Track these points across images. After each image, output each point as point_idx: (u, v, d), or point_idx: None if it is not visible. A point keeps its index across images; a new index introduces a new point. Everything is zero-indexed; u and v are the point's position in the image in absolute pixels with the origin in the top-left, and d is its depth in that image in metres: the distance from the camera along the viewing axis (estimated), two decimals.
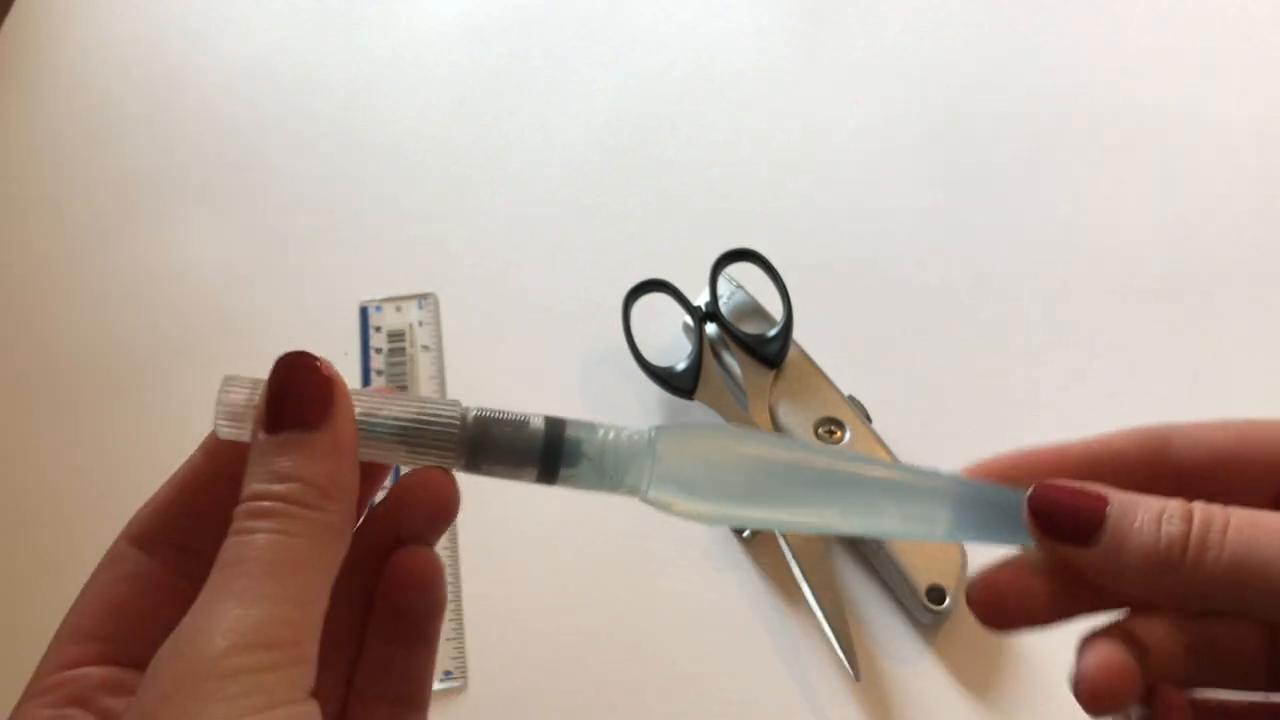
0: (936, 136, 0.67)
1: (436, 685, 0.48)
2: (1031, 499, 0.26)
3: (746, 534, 0.51)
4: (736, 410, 0.52)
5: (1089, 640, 0.26)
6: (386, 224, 0.64)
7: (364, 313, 0.59)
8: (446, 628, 0.49)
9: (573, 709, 0.48)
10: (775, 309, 0.55)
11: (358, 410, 0.26)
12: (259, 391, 0.25)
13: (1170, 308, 0.59)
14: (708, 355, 0.54)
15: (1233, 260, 0.61)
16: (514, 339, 0.59)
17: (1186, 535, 0.23)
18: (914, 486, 0.27)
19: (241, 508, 0.24)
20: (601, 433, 0.27)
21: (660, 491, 0.26)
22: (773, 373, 0.53)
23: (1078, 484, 0.26)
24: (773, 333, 0.54)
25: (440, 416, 0.26)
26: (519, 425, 0.27)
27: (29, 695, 0.25)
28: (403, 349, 0.58)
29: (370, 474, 0.28)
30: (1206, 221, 0.62)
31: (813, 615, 0.49)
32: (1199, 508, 0.24)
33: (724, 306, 0.55)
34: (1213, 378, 0.56)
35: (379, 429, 0.26)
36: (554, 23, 0.74)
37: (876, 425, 0.52)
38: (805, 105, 0.69)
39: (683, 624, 0.50)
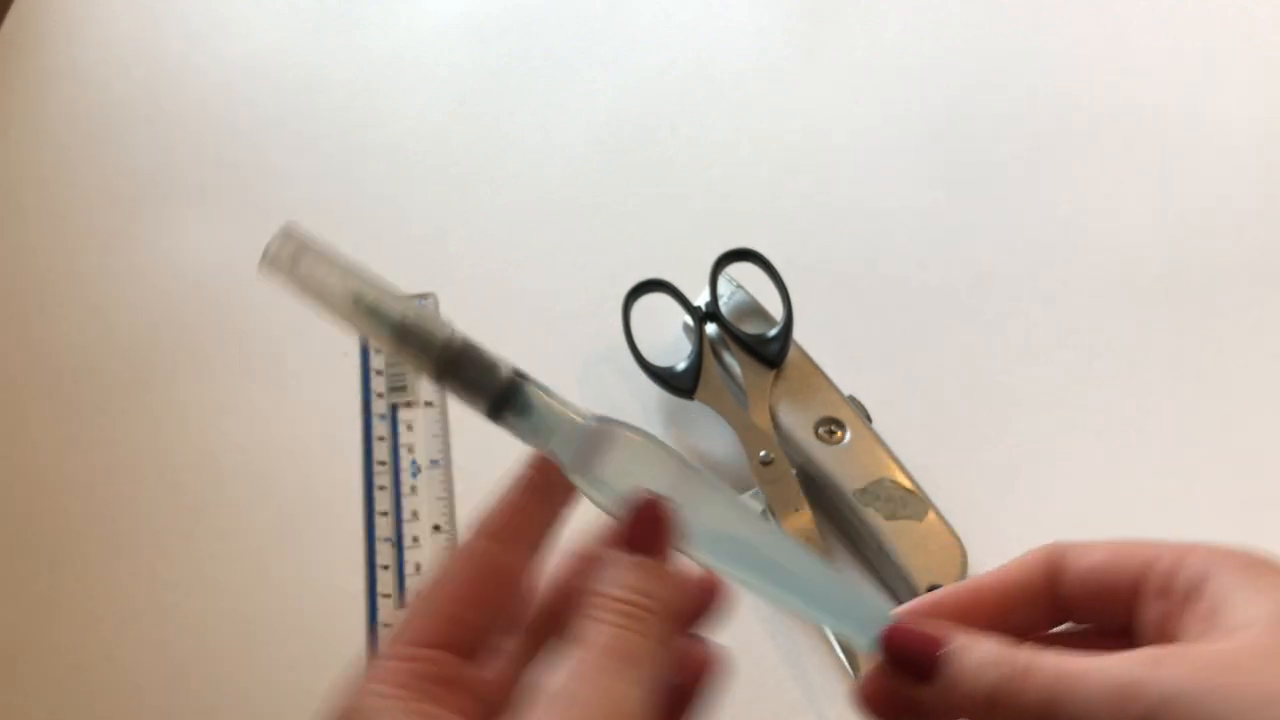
0: (936, 136, 0.67)
1: None
2: (884, 639, 0.29)
3: None
4: (736, 410, 0.52)
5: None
6: (386, 224, 0.64)
7: None
8: None
9: None
10: (775, 309, 0.55)
11: (368, 296, 0.30)
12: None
13: (1170, 307, 0.59)
14: (708, 355, 0.54)
15: (1233, 260, 0.61)
16: (514, 339, 0.58)
17: (1003, 681, 0.27)
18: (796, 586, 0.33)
19: (610, 602, 0.28)
20: (556, 402, 0.31)
21: (570, 468, 0.31)
22: (773, 373, 0.53)
23: (924, 629, 0.29)
24: (773, 333, 0.54)
25: (433, 329, 0.31)
26: (490, 365, 0.32)
27: (387, 654, 0.28)
28: None
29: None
30: (1206, 221, 0.62)
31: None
32: (1013, 656, 0.27)
33: (724, 307, 0.55)
34: (1213, 377, 0.56)
35: (384, 316, 0.31)
36: (554, 23, 0.74)
37: (876, 425, 0.52)
38: (805, 105, 0.69)
39: None
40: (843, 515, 0.50)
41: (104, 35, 0.74)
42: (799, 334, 0.54)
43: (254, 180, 0.66)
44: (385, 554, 0.51)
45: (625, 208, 0.64)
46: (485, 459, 0.56)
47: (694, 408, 0.54)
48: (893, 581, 0.49)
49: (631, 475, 0.31)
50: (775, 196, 0.64)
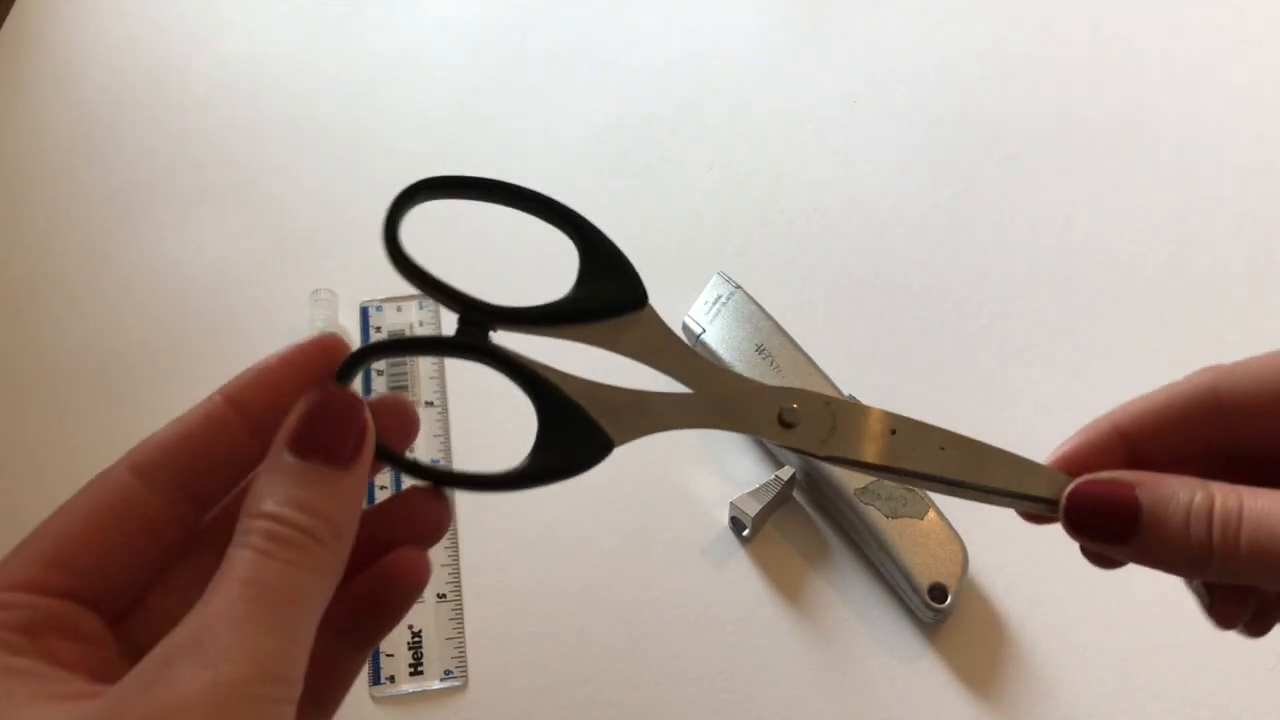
0: (936, 136, 0.67)
1: (436, 685, 0.48)
2: (1067, 507, 0.27)
3: (746, 533, 0.51)
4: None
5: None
6: None
7: (364, 313, 0.59)
8: (446, 627, 0.49)
9: (573, 709, 0.48)
10: (775, 309, 0.55)
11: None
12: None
13: (1170, 307, 0.59)
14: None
15: (1233, 260, 0.61)
16: (513, 338, 0.59)
17: (1209, 537, 0.25)
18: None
19: (259, 523, 0.24)
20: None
21: None
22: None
23: (1108, 486, 0.27)
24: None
25: None
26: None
27: None
28: None
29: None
30: (1206, 221, 0.62)
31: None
32: (1219, 505, 0.25)
33: (723, 307, 0.55)
34: None
35: None
36: (554, 23, 0.74)
37: None
38: (805, 105, 0.69)
39: (683, 623, 0.50)
40: (844, 514, 0.50)
41: (104, 35, 0.74)
42: (799, 334, 0.54)
43: (254, 180, 0.66)
44: None
45: (625, 207, 0.65)
46: (486, 459, 0.56)
47: None
48: (894, 580, 0.49)
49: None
50: (775, 196, 0.65)
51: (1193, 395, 0.28)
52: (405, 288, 0.31)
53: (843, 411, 0.31)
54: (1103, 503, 0.27)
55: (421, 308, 0.59)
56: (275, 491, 0.24)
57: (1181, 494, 0.26)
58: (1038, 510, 0.30)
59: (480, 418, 0.56)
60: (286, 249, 0.63)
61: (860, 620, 0.49)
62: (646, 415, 0.30)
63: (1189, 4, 0.73)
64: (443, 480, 0.31)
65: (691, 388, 0.31)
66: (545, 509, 0.53)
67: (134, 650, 0.25)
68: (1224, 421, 0.28)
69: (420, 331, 0.59)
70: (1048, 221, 0.63)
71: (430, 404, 0.56)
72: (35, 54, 0.73)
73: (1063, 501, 0.28)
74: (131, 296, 0.61)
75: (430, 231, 0.64)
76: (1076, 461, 0.29)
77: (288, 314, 0.60)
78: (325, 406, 0.26)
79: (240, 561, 0.23)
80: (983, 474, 0.30)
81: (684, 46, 0.72)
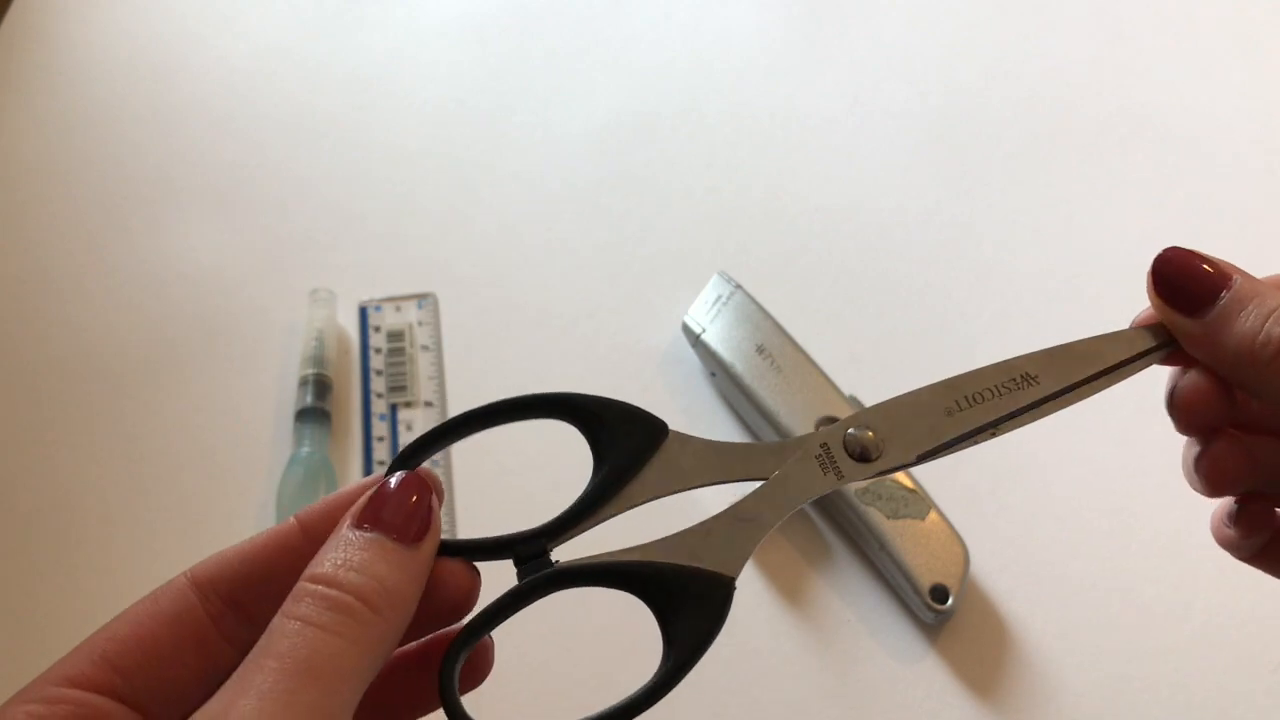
0: (936, 136, 0.67)
1: None
2: (1158, 259, 0.27)
3: None
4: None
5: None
6: (386, 224, 0.64)
7: (364, 313, 0.59)
8: None
9: (573, 709, 0.48)
10: (775, 309, 0.54)
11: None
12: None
13: None
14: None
15: (1235, 261, 0.61)
16: (513, 339, 0.59)
17: None
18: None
19: (311, 587, 0.23)
20: None
21: None
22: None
23: (1210, 258, 0.27)
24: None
25: None
26: None
27: (24, 695, 0.23)
28: (402, 349, 0.58)
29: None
30: (1207, 221, 0.62)
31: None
32: None
33: (723, 307, 0.55)
34: None
35: None
36: (554, 23, 0.74)
37: None
38: (805, 105, 0.69)
39: None
40: (844, 515, 0.50)
41: (104, 35, 0.74)
42: (799, 333, 0.54)
43: (254, 180, 0.66)
44: None
45: (625, 207, 0.64)
46: (485, 461, 0.56)
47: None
48: (895, 581, 0.49)
49: None
50: (775, 196, 0.64)
51: None
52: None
53: (888, 413, 0.30)
54: (1196, 269, 0.27)
55: (420, 307, 0.59)
56: (334, 555, 0.23)
57: (1273, 295, 0.26)
58: (1138, 352, 0.29)
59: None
60: (285, 248, 0.63)
61: (861, 621, 0.49)
62: (745, 530, 0.28)
63: (1189, 4, 0.73)
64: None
65: (762, 475, 0.29)
66: (546, 515, 0.52)
67: None
68: None
69: (420, 330, 0.58)
70: (1049, 221, 0.63)
71: (429, 404, 0.56)
72: (34, 53, 0.73)
73: (1159, 255, 0.27)
74: (130, 295, 0.61)
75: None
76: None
77: (286, 313, 0.59)
78: (394, 485, 0.25)
79: (282, 632, 0.22)
80: (1043, 388, 0.30)
81: (684, 46, 0.72)
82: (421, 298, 0.59)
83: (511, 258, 0.62)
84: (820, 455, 0.30)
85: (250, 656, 0.22)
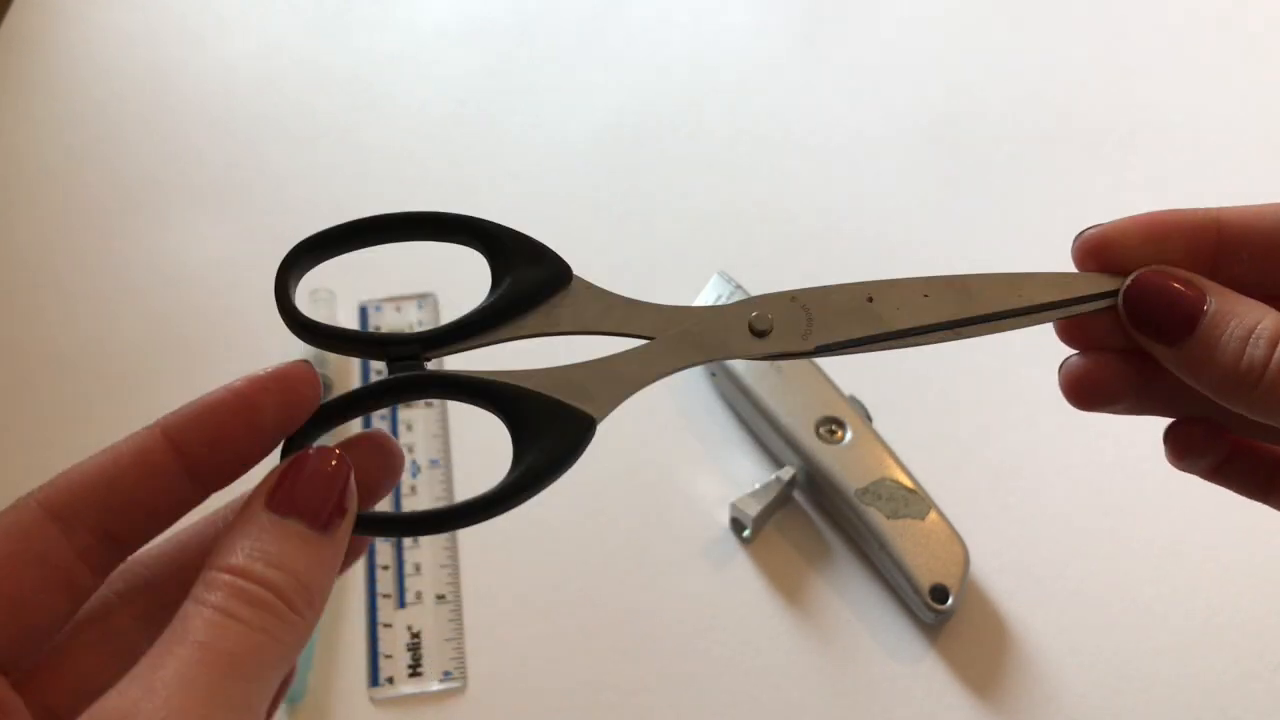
0: (936, 136, 0.67)
1: (435, 686, 0.48)
2: (1129, 290, 0.27)
3: (746, 534, 0.51)
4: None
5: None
6: None
7: (364, 313, 0.59)
8: (446, 628, 0.49)
9: (573, 709, 0.48)
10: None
11: None
12: None
13: None
14: None
15: None
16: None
17: (1267, 361, 0.24)
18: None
19: (225, 578, 0.22)
20: None
21: None
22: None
23: (1180, 280, 0.26)
24: None
25: None
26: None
27: None
28: None
29: None
30: None
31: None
32: None
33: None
34: None
35: None
36: (554, 23, 0.74)
37: (877, 425, 0.52)
38: (805, 105, 0.69)
39: (682, 624, 0.49)
40: (844, 515, 0.50)
41: (104, 35, 0.74)
42: None
43: (254, 180, 0.66)
44: (385, 554, 0.51)
45: (625, 207, 0.64)
46: (485, 459, 0.56)
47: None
48: (895, 581, 0.49)
49: None
50: (775, 196, 0.64)
51: (1202, 214, 0.27)
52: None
53: (813, 300, 0.30)
54: (1168, 294, 0.26)
55: (421, 307, 0.59)
56: (247, 544, 0.22)
57: (1250, 313, 0.25)
58: (1079, 310, 0.28)
59: (481, 413, 0.56)
60: (285, 248, 0.63)
61: (861, 621, 0.49)
62: (618, 380, 0.28)
63: (1189, 4, 0.73)
64: (432, 525, 0.29)
65: (650, 336, 0.30)
66: (545, 510, 0.52)
67: (47, 715, 0.23)
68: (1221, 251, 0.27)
69: (418, 330, 0.58)
70: (1049, 221, 0.63)
71: (429, 404, 0.56)
72: (34, 53, 0.73)
73: (1127, 283, 0.27)
74: (130, 295, 0.61)
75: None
76: (1166, 223, 0.28)
77: None
78: (309, 464, 0.24)
79: (199, 621, 0.21)
80: (973, 305, 0.30)
81: (684, 46, 0.72)
82: (421, 298, 0.59)
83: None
84: (723, 327, 0.29)
85: (162, 642, 0.21)
